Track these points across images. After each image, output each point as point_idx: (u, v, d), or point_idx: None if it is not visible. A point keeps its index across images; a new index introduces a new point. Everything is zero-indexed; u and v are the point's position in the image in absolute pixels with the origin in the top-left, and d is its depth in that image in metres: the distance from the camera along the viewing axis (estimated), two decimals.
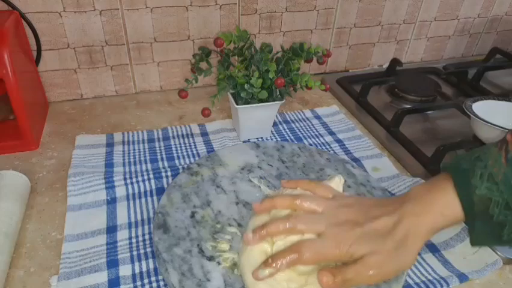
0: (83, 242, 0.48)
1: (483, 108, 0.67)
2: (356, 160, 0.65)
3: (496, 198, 0.34)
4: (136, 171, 0.60)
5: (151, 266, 0.46)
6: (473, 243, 0.38)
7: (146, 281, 0.45)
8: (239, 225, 0.49)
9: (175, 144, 0.67)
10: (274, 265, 0.39)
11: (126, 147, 0.65)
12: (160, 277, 0.45)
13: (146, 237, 0.50)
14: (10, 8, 0.65)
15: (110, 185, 0.56)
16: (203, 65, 0.63)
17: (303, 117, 0.76)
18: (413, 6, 0.92)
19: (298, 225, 0.40)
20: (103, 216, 0.52)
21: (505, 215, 0.34)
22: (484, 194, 0.34)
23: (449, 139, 0.64)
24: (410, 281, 0.46)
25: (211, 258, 0.44)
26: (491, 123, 0.62)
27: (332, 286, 0.37)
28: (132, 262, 0.46)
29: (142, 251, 0.48)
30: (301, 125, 0.74)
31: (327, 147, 0.68)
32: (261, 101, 0.63)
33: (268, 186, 0.55)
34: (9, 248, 0.45)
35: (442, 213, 0.37)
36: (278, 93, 0.64)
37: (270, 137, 0.70)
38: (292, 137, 0.70)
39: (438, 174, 0.39)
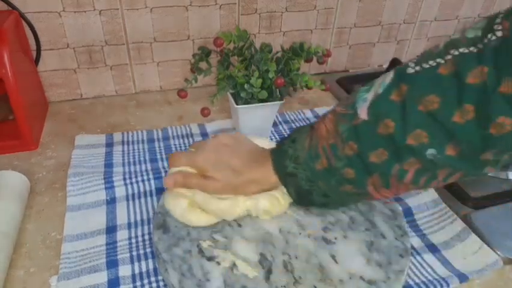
0: (83, 242, 0.48)
1: None
2: None
3: (301, 175, 0.44)
4: (135, 171, 0.60)
5: (151, 266, 0.46)
6: (296, 203, 0.49)
7: (146, 281, 0.44)
8: (239, 225, 0.49)
9: (174, 144, 0.67)
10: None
11: (126, 147, 0.65)
12: (159, 277, 0.45)
13: (146, 237, 0.50)
14: (10, 8, 0.65)
15: (109, 185, 0.56)
16: (203, 64, 0.63)
17: (303, 117, 0.76)
18: (413, 6, 0.92)
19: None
20: (102, 217, 0.52)
21: (309, 186, 0.44)
22: (292, 171, 0.44)
23: None
24: (410, 281, 0.46)
25: (210, 258, 0.44)
26: None
27: (173, 185, 0.48)
28: (132, 262, 0.46)
29: (141, 251, 0.48)
30: (301, 125, 0.74)
31: None
32: (261, 101, 0.63)
33: None
34: (9, 248, 0.45)
35: (269, 179, 0.47)
36: (278, 93, 0.64)
37: (270, 137, 0.70)
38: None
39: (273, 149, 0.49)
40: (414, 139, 0.35)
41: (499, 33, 0.31)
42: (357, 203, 0.50)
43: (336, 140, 0.41)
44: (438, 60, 0.34)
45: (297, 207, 0.50)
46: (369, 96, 0.39)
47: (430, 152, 0.35)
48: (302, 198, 0.47)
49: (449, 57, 0.33)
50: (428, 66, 0.34)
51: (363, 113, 0.38)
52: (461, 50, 0.33)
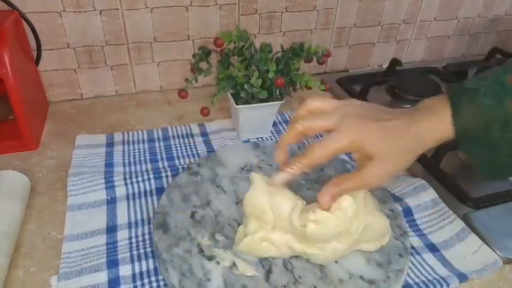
0: (83, 242, 0.48)
1: None
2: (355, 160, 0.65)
3: (483, 89, 0.35)
4: (136, 171, 0.60)
5: (151, 266, 0.46)
6: (480, 170, 0.38)
7: (146, 281, 0.45)
8: (239, 225, 0.49)
9: (175, 144, 0.67)
10: (288, 169, 0.39)
11: (126, 147, 0.65)
12: (160, 277, 0.45)
13: (146, 237, 0.50)
14: (10, 8, 0.65)
15: (110, 185, 0.56)
16: (203, 64, 0.63)
17: None
18: (413, 6, 0.92)
19: (309, 124, 0.40)
20: (102, 216, 0.52)
21: (490, 108, 0.34)
22: (472, 86, 0.35)
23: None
24: (410, 281, 0.46)
25: (211, 258, 0.44)
26: None
27: (330, 202, 0.39)
28: (132, 262, 0.46)
29: (142, 251, 0.48)
30: None
31: None
32: (261, 101, 0.63)
33: None
34: (9, 248, 0.45)
35: (447, 123, 0.37)
36: (278, 93, 0.64)
37: (270, 137, 0.70)
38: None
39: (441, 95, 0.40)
40: None
41: None
42: None
43: None
44: None
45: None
46: None
47: None
48: (475, 134, 0.36)
49: None
50: None
51: None
52: None
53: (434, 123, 0.38)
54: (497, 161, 0.36)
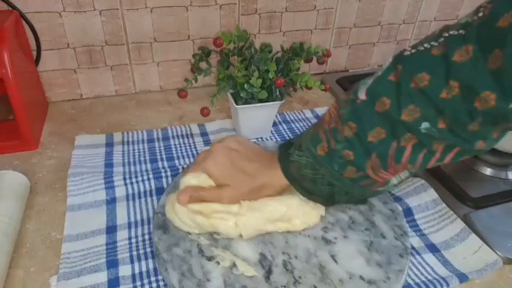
0: (83, 242, 0.48)
1: None
2: None
3: (304, 162, 0.44)
4: (135, 171, 0.60)
5: (151, 266, 0.46)
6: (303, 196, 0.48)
7: (146, 281, 0.44)
8: None
9: (174, 144, 0.67)
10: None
11: (126, 147, 0.65)
12: (159, 277, 0.45)
13: (146, 237, 0.50)
14: (10, 8, 0.65)
15: (109, 185, 0.56)
16: (203, 64, 0.63)
17: (303, 117, 0.76)
18: (413, 6, 0.92)
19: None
20: (102, 216, 0.52)
21: (313, 174, 0.44)
22: (296, 159, 0.45)
23: None
24: (410, 281, 0.46)
25: (210, 258, 0.44)
26: None
27: (188, 201, 0.46)
28: (132, 262, 0.46)
29: (141, 251, 0.48)
30: (301, 125, 0.74)
31: None
32: (261, 101, 0.63)
33: None
34: (9, 248, 0.45)
35: (281, 181, 0.47)
36: (278, 93, 0.64)
37: (270, 137, 0.70)
38: (292, 137, 0.70)
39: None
40: (409, 114, 0.36)
41: (481, 14, 0.33)
42: (362, 195, 0.47)
43: (337, 123, 0.42)
44: (432, 43, 0.36)
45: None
46: (370, 80, 0.41)
47: (424, 125, 0.36)
48: (308, 191, 0.46)
49: (441, 39, 0.35)
50: (422, 48, 0.36)
51: (362, 95, 0.41)
52: (451, 32, 0.35)
53: (273, 180, 0.47)
54: (320, 192, 0.46)
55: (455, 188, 0.58)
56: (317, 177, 0.44)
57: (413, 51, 0.37)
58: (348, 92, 0.44)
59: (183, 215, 0.47)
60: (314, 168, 0.44)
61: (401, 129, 0.38)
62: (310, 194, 0.47)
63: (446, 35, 0.35)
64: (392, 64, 0.39)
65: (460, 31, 0.34)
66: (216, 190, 0.47)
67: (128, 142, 0.66)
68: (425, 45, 0.36)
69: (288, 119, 0.76)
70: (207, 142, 0.68)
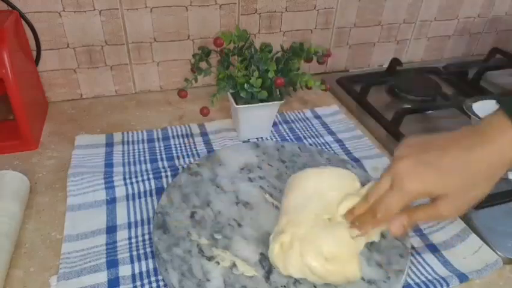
0: (83, 242, 0.48)
1: (483, 108, 0.67)
2: (356, 160, 0.65)
3: None
4: (135, 171, 0.60)
5: (151, 266, 0.46)
6: None
7: (146, 281, 0.44)
8: (239, 225, 0.49)
9: (174, 144, 0.67)
10: (359, 228, 0.42)
11: (126, 147, 0.65)
12: (159, 277, 0.45)
13: (146, 237, 0.50)
14: (10, 8, 0.65)
15: (109, 185, 0.56)
16: (203, 64, 0.63)
17: (303, 117, 0.76)
18: (413, 6, 0.92)
19: (371, 198, 0.42)
20: (102, 216, 0.52)
21: None
22: None
23: None
24: (410, 281, 0.46)
25: (210, 258, 0.44)
26: None
27: (403, 231, 0.40)
28: (132, 262, 0.46)
29: (141, 251, 0.48)
30: (301, 125, 0.74)
31: (327, 147, 0.68)
32: (261, 100, 0.63)
33: (268, 186, 0.55)
34: (9, 248, 0.45)
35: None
36: (278, 93, 0.64)
37: (270, 137, 0.70)
38: (292, 137, 0.70)
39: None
40: None
41: None
42: None
43: None
44: None
45: None
46: None
47: None
48: None
49: None
50: None
51: None
52: None
53: (498, 148, 0.36)
54: None
55: None
56: None
57: None
58: None
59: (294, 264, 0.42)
60: None
61: None
62: None
63: None
64: None
65: None
66: (430, 206, 0.39)
67: (128, 142, 0.66)
68: None
69: (288, 119, 0.76)
70: (207, 142, 0.68)
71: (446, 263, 0.48)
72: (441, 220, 0.42)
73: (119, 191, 0.56)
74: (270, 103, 0.63)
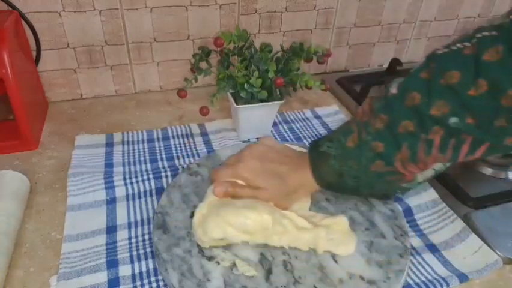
0: (83, 242, 0.48)
1: None
2: None
3: (332, 153, 0.46)
4: (135, 171, 0.60)
5: (151, 266, 0.46)
6: (326, 188, 0.50)
7: (146, 281, 0.44)
8: None
9: (174, 144, 0.67)
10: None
11: (126, 147, 0.65)
12: (159, 277, 0.45)
13: (146, 237, 0.50)
14: (10, 8, 0.65)
15: (109, 185, 0.56)
16: (203, 64, 0.63)
17: (303, 117, 0.76)
18: (413, 6, 0.92)
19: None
20: (102, 216, 0.52)
21: (340, 166, 0.45)
22: (325, 150, 0.46)
23: None
24: (410, 281, 0.46)
25: (210, 258, 0.44)
26: None
27: (224, 195, 0.48)
28: (132, 262, 0.46)
29: (141, 251, 0.48)
30: (301, 125, 0.74)
31: None
32: (261, 100, 0.63)
33: None
34: (9, 248, 0.45)
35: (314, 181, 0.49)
36: (278, 93, 0.64)
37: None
38: (292, 137, 0.70)
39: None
40: (438, 109, 0.38)
41: None
42: (386, 190, 0.48)
43: (369, 117, 0.44)
44: (465, 43, 0.37)
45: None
46: (403, 78, 0.42)
47: (452, 120, 0.37)
48: (333, 183, 0.48)
49: (474, 40, 0.37)
50: (455, 47, 0.38)
51: (394, 90, 0.42)
52: (484, 33, 0.36)
53: (303, 179, 0.49)
54: (345, 186, 0.47)
55: (455, 188, 0.58)
56: (344, 169, 0.45)
57: (445, 50, 0.39)
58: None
59: (213, 224, 0.44)
60: (342, 159, 0.45)
61: (429, 122, 0.39)
62: (331, 183, 0.48)
63: (479, 35, 0.36)
64: (425, 62, 0.40)
65: (493, 32, 0.35)
66: (252, 189, 0.48)
67: (128, 142, 0.66)
68: (458, 45, 0.38)
69: (288, 119, 0.76)
70: (207, 142, 0.68)
71: (446, 263, 0.48)
72: (256, 198, 0.48)
73: (119, 191, 0.56)
74: (270, 103, 0.63)
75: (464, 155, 0.39)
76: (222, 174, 0.50)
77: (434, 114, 0.38)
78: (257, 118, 0.66)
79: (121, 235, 0.50)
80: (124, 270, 0.45)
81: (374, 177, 0.45)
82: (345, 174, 0.46)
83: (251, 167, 0.49)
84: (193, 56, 0.64)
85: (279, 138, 0.70)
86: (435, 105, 0.38)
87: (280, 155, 0.51)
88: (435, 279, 0.46)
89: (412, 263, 0.48)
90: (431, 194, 0.56)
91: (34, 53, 0.71)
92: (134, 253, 0.47)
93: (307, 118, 0.76)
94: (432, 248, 0.50)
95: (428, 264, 0.48)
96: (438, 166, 0.43)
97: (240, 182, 0.49)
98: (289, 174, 0.49)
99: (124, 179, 0.57)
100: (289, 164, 0.49)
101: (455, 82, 0.36)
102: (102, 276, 0.44)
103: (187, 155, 0.64)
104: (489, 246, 0.49)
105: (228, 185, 0.48)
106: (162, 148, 0.66)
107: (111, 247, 0.48)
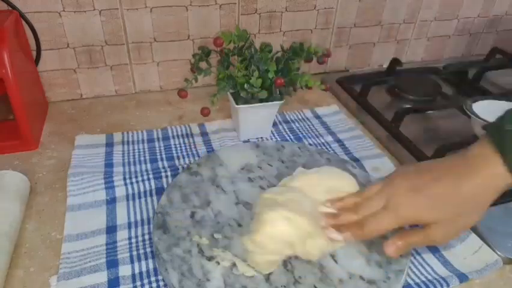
0: (83, 242, 0.48)
1: (483, 108, 0.67)
2: (356, 160, 0.65)
3: None
4: (135, 171, 0.60)
5: (151, 266, 0.46)
6: None
7: (146, 281, 0.44)
8: (239, 225, 0.49)
9: (174, 144, 0.67)
10: (343, 235, 0.43)
11: (126, 147, 0.65)
12: (160, 277, 0.45)
13: (146, 237, 0.50)
14: (10, 8, 0.65)
15: (109, 185, 0.56)
16: (203, 64, 0.63)
17: (303, 117, 0.76)
18: (413, 6, 0.92)
19: (361, 211, 0.44)
20: (102, 216, 0.52)
21: None
22: None
23: (449, 139, 0.64)
24: (410, 281, 0.46)
25: (210, 258, 0.44)
26: None
27: (398, 253, 0.42)
28: (132, 262, 0.46)
29: (141, 251, 0.48)
30: (301, 125, 0.74)
31: (327, 147, 0.68)
32: (261, 100, 0.63)
33: (268, 186, 0.55)
34: (9, 248, 0.45)
35: (501, 173, 0.36)
36: (278, 93, 0.64)
37: (270, 137, 0.70)
38: (292, 137, 0.70)
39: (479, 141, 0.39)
40: None
41: None
42: None
43: None
44: None
45: None
46: None
47: None
48: None
49: None
50: None
51: None
52: None
53: (485, 179, 0.37)
54: None
55: None
56: None
57: None
58: None
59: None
60: None
61: None
62: None
63: None
64: None
65: None
66: (423, 232, 0.41)
67: (128, 142, 0.66)
68: None
69: (288, 119, 0.76)
70: (207, 142, 0.68)
71: (446, 263, 0.48)
72: (432, 245, 0.43)
73: (119, 191, 0.56)
74: (270, 103, 0.63)
75: None
76: (383, 226, 0.41)
77: None
78: (257, 118, 0.66)
79: (121, 235, 0.50)
80: (124, 270, 0.45)
81: None
82: None
83: (406, 202, 0.40)
84: (193, 56, 0.64)
85: (279, 138, 0.70)
86: None
87: (429, 170, 0.41)
88: (435, 279, 0.46)
89: (412, 263, 0.48)
90: None
91: (34, 53, 0.71)
92: (134, 253, 0.47)
93: (307, 118, 0.76)
94: (432, 248, 0.50)
95: (428, 264, 0.48)
96: None
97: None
98: (453, 184, 0.38)
99: (124, 179, 0.57)
100: (446, 174, 0.39)
101: None
102: (102, 276, 0.44)
103: (187, 155, 0.64)
104: (489, 246, 0.49)
105: (398, 239, 0.41)
106: (162, 148, 0.66)
107: (111, 247, 0.48)
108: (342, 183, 0.51)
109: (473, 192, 0.37)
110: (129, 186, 0.56)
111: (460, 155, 0.40)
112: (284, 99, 0.64)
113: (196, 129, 0.71)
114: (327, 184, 0.50)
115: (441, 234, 0.40)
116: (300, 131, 0.72)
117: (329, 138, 0.70)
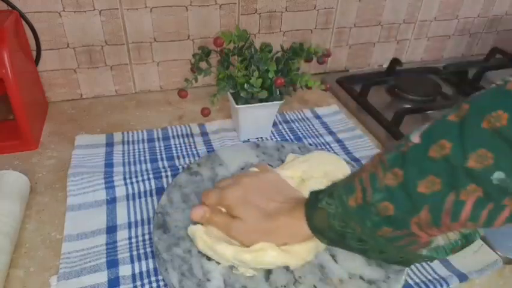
0: (83, 242, 0.48)
1: None
2: (356, 160, 0.65)
3: (332, 212, 0.39)
4: (135, 171, 0.60)
5: (151, 266, 0.46)
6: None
7: (146, 281, 0.44)
8: None
9: (174, 144, 0.67)
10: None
11: (126, 147, 0.65)
12: (160, 277, 0.45)
13: (146, 237, 0.50)
14: (10, 8, 0.65)
15: (109, 185, 0.56)
16: (203, 64, 0.63)
17: (303, 117, 0.76)
18: (413, 6, 0.92)
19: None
20: (102, 216, 0.52)
21: (341, 227, 0.39)
22: (323, 206, 0.40)
23: None
24: (410, 281, 0.46)
25: (210, 258, 0.44)
26: None
27: (199, 219, 0.46)
28: (132, 262, 0.46)
29: (141, 251, 0.48)
30: (301, 124, 0.74)
31: (327, 147, 0.68)
32: (261, 100, 0.63)
33: None
34: (9, 248, 0.45)
35: (301, 229, 0.43)
36: (278, 93, 0.64)
37: (270, 137, 0.70)
38: (292, 137, 0.70)
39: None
40: (477, 161, 0.29)
41: None
42: (401, 252, 0.39)
43: (377, 169, 0.35)
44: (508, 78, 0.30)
45: None
46: (427, 124, 0.34)
47: (497, 175, 0.28)
48: (336, 241, 0.41)
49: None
50: (500, 82, 0.31)
51: (415, 138, 0.33)
52: None
53: (296, 224, 0.43)
54: (351, 247, 0.41)
55: None
56: (346, 231, 0.38)
57: (483, 90, 0.32)
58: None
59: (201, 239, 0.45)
60: (343, 220, 0.38)
61: (464, 178, 0.30)
62: (334, 243, 0.42)
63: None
64: (455, 106, 0.33)
65: None
66: (227, 218, 0.45)
67: (128, 142, 0.66)
68: (499, 82, 0.30)
69: (288, 119, 0.76)
70: (207, 142, 0.68)
71: (446, 262, 0.48)
72: (227, 234, 0.45)
73: (119, 191, 0.56)
74: (270, 103, 0.63)
75: (502, 221, 0.31)
76: (209, 197, 0.47)
77: (472, 166, 0.29)
78: (257, 118, 0.66)
79: (121, 235, 0.50)
80: (124, 270, 0.45)
81: (383, 242, 0.37)
82: (348, 236, 0.39)
83: (235, 194, 0.45)
84: (193, 56, 0.64)
85: (279, 138, 0.70)
86: (473, 155, 0.29)
87: (273, 190, 0.47)
88: (435, 279, 0.46)
89: None
90: None
91: (34, 53, 0.71)
92: (135, 253, 0.47)
93: (307, 118, 0.76)
94: None
95: (428, 264, 0.48)
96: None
97: (222, 209, 0.46)
98: (277, 214, 0.43)
99: (124, 178, 0.57)
100: (281, 204, 0.44)
101: (503, 125, 0.28)
102: (102, 276, 0.44)
103: (187, 154, 0.64)
104: (489, 246, 0.49)
105: (207, 210, 0.46)
106: (162, 148, 0.66)
107: (111, 247, 0.48)
108: (336, 167, 0.54)
109: (282, 229, 0.43)
110: (129, 186, 0.56)
111: (301, 201, 0.44)
112: (284, 99, 0.64)
113: (196, 129, 0.71)
114: (323, 170, 0.53)
115: (240, 230, 0.44)
116: (300, 131, 0.72)
117: (329, 138, 0.70)
